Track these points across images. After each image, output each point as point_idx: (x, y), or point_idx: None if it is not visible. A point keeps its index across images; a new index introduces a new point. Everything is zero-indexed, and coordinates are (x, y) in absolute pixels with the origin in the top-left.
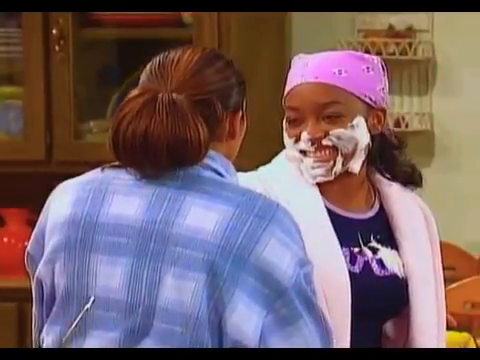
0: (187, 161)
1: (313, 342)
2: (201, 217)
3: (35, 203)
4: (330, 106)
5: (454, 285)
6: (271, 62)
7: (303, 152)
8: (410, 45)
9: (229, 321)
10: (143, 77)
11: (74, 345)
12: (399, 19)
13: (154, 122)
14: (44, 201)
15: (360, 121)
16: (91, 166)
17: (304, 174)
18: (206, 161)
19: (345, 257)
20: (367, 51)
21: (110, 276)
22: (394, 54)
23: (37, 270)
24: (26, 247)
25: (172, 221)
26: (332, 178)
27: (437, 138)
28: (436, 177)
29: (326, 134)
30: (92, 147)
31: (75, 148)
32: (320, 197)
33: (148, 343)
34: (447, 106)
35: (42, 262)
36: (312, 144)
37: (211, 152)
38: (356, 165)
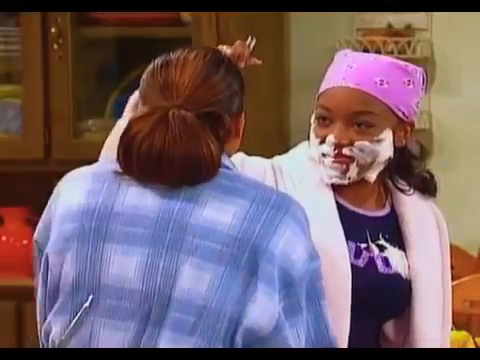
0: (200, 179)
1: (298, 344)
2: (218, 209)
3: (34, 202)
4: (364, 115)
5: (452, 284)
6: (270, 61)
7: (324, 155)
8: (409, 44)
9: (249, 313)
10: (145, 87)
11: (83, 335)
12: (398, 18)
13: (168, 141)
14: (43, 200)
15: (388, 135)
16: (90, 165)
17: (323, 174)
18: None
19: (350, 250)
20: (366, 50)
21: (125, 266)
22: (393, 53)
23: (44, 257)
24: (25, 246)
25: (190, 212)
26: (346, 182)
27: (436, 137)
28: (435, 176)
29: (351, 143)
30: (91, 146)
31: (74, 147)
32: (331, 190)
33: (161, 333)
34: (446, 105)
35: (52, 251)
36: (334, 149)
37: None
38: (373, 175)
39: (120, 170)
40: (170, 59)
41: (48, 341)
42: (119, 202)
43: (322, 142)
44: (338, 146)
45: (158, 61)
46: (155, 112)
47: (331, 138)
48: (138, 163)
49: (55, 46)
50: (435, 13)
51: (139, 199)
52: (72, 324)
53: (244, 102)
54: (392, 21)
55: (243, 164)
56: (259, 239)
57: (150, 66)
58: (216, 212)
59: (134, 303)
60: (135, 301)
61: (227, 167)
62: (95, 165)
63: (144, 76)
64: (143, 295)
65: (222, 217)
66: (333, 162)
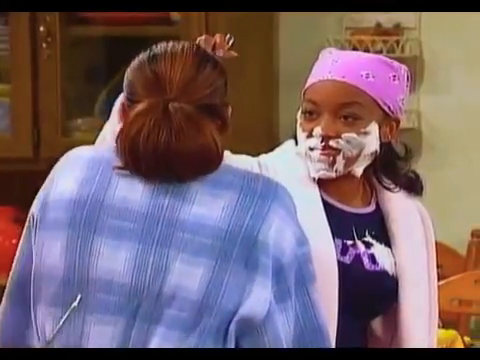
0: (206, 170)
1: (287, 330)
2: (207, 203)
3: (22, 201)
4: (350, 106)
5: (441, 282)
6: (259, 60)
7: (311, 149)
8: (397, 43)
9: (245, 303)
10: (132, 82)
11: (72, 328)
12: (387, 17)
13: (174, 135)
14: (32, 199)
15: (374, 128)
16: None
17: (310, 168)
18: None
19: (336, 247)
20: (355, 49)
21: (114, 260)
22: (381, 52)
23: (36, 236)
24: (14, 245)
25: (179, 207)
26: (334, 175)
27: (424, 136)
28: (423, 175)
29: (338, 135)
30: (80, 145)
31: (63, 146)
32: (317, 187)
33: (153, 329)
34: (434, 104)
35: (42, 234)
36: (321, 141)
37: None
38: (359, 169)
39: (121, 164)
40: (157, 53)
41: (38, 331)
42: (110, 194)
43: (309, 136)
44: (325, 138)
45: (144, 55)
46: (153, 106)
47: (318, 130)
48: (146, 160)
49: (44, 45)
50: (424, 12)
51: (129, 192)
52: (61, 323)
53: (230, 99)
54: (381, 20)
55: (229, 162)
56: (249, 230)
57: (135, 61)
58: (205, 206)
59: (123, 297)
60: (124, 296)
61: None
62: (95, 148)
63: (129, 72)
64: (132, 289)
65: (211, 211)
66: (320, 154)
